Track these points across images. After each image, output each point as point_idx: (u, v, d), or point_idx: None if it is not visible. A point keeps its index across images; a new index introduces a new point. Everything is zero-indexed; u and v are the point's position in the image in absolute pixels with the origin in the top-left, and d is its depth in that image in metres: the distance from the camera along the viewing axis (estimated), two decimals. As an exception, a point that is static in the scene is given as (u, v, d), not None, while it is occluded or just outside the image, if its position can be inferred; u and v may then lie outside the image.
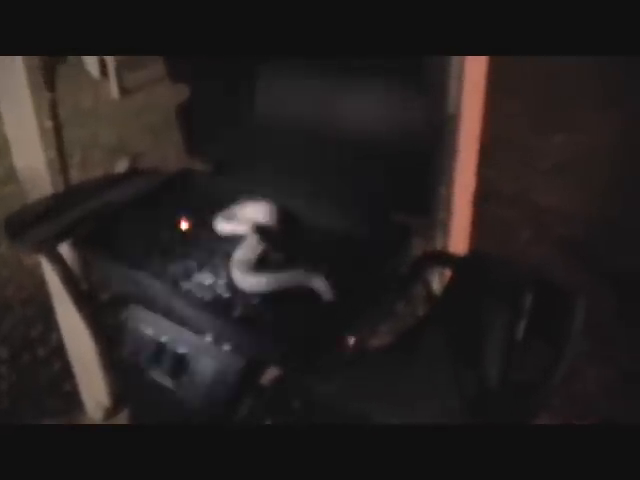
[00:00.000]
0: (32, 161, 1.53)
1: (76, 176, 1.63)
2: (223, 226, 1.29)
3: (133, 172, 1.50)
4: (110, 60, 4.26)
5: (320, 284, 1.06)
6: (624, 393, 1.96)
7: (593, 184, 3.07)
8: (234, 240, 1.24)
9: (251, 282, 1.11)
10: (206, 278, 1.17)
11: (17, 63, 1.41)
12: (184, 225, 1.32)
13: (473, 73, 1.66)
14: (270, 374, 1.12)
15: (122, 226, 1.32)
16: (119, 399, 1.77)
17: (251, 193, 1.35)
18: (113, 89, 4.35)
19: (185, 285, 1.16)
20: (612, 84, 3.79)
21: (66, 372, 2.02)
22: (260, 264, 1.17)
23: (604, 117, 3.57)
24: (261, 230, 1.25)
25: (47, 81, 1.72)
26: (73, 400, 1.94)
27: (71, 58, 4.53)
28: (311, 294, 1.08)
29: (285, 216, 1.31)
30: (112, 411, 1.85)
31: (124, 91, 4.39)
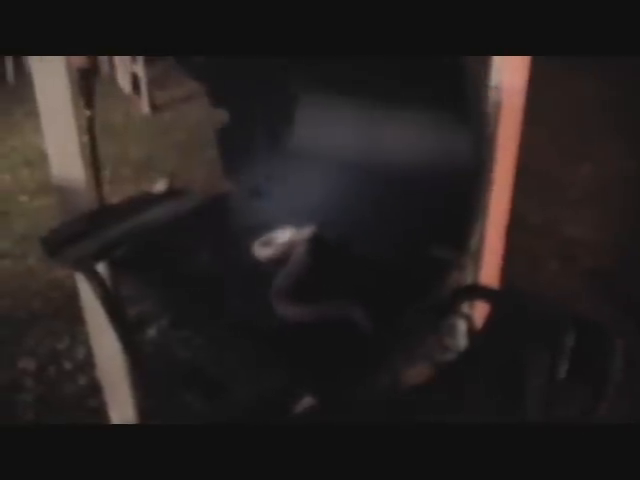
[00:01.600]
0: (70, 176, 1.54)
1: (106, 192, 1.65)
2: (261, 251, 1.30)
3: (171, 192, 1.52)
4: (142, 77, 4.32)
5: (359, 315, 1.06)
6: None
7: (621, 215, 3.06)
8: (271, 266, 1.25)
9: (292, 312, 1.12)
10: (243, 302, 1.18)
11: (61, 78, 1.43)
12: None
13: (510, 106, 1.67)
14: (305, 402, 1.12)
15: (160, 247, 1.33)
16: (146, 417, 1.77)
17: (287, 220, 1.35)
18: (144, 106, 4.41)
19: (222, 308, 1.17)
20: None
21: (92, 387, 2.04)
22: (300, 293, 1.18)
23: (632, 147, 3.56)
24: (305, 256, 1.25)
25: (86, 99, 1.75)
26: (98, 416, 1.94)
27: (104, 74, 4.62)
28: (349, 324, 1.08)
29: (322, 245, 1.31)
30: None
31: (155, 108, 4.44)
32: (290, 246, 1.30)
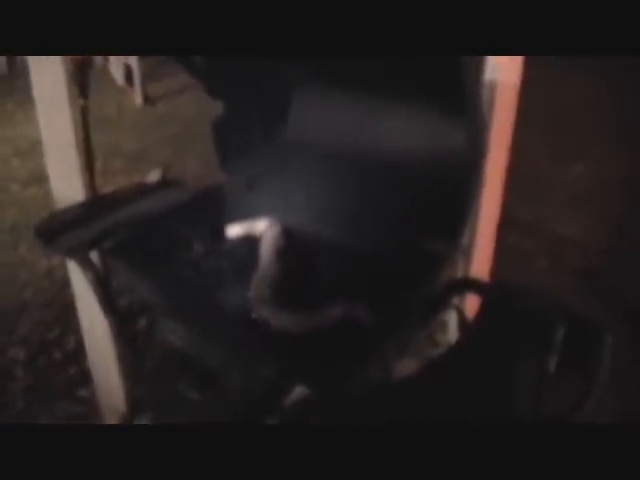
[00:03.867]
0: (64, 166, 1.55)
1: (98, 183, 1.65)
2: (231, 231, 1.32)
3: (164, 183, 1.52)
4: (135, 68, 4.30)
5: (363, 314, 1.06)
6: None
7: (610, 215, 3.09)
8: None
9: (284, 321, 1.09)
10: (237, 292, 1.18)
11: (57, 69, 1.43)
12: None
13: (503, 103, 1.68)
14: (297, 393, 1.12)
15: (153, 237, 1.34)
16: (136, 406, 1.77)
17: (282, 212, 1.35)
18: (137, 97, 4.40)
19: (215, 298, 1.17)
20: (631, 116, 3.82)
21: (82, 376, 2.04)
22: (285, 298, 1.15)
23: (621, 148, 3.60)
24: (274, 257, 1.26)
25: (80, 88, 1.75)
26: (88, 405, 1.95)
27: (97, 65, 4.60)
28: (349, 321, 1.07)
29: (296, 243, 1.31)
30: (128, 418, 1.86)
31: (148, 100, 4.43)
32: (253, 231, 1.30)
